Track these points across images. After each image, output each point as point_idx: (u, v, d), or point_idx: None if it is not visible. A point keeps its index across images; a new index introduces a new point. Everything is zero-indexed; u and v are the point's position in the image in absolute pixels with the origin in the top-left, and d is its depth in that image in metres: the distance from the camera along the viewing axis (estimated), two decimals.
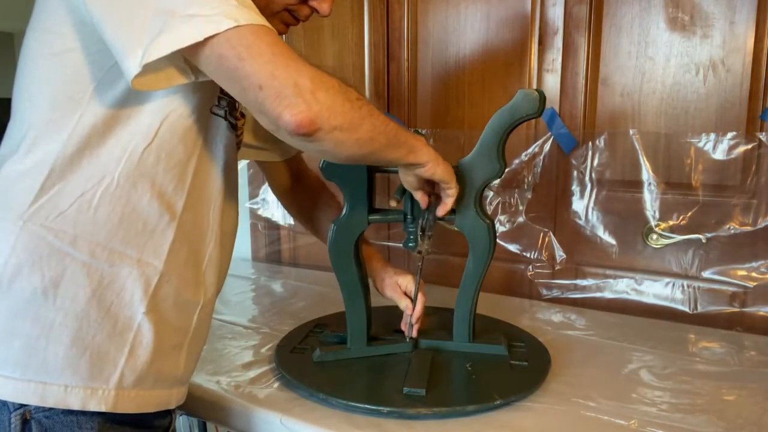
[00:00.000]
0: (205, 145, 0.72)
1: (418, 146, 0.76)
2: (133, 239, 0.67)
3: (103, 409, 0.64)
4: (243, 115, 0.83)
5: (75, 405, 0.62)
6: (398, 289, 0.97)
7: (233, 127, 0.77)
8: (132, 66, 0.57)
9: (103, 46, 0.61)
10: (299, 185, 1.09)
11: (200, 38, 0.56)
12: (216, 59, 0.58)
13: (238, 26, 0.57)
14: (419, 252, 0.86)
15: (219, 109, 0.74)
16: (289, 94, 0.57)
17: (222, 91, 0.72)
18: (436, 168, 0.77)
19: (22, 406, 0.61)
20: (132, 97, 0.65)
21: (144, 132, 0.66)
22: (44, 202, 0.64)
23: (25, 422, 0.62)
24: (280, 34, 0.82)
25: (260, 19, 0.59)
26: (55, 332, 0.62)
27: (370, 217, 0.92)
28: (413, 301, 0.94)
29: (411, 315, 0.95)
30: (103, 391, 0.64)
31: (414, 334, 0.96)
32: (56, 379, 0.62)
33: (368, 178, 0.91)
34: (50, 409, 0.62)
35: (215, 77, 0.61)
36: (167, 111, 0.67)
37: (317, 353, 0.94)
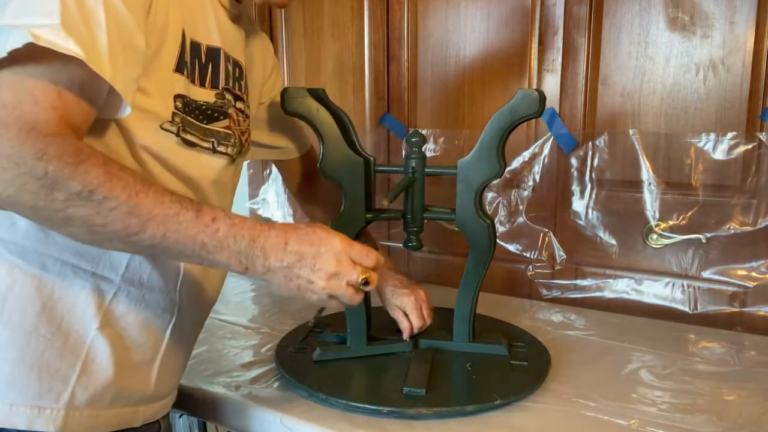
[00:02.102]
0: (173, 161, 0.67)
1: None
2: (87, 252, 0.63)
3: (51, 429, 0.61)
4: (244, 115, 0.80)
5: (20, 425, 0.60)
6: (399, 312, 0.97)
7: (188, 143, 0.69)
8: None
9: None
10: (314, 184, 1.07)
11: None
12: None
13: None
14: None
15: (171, 125, 0.66)
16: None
17: (178, 107, 0.66)
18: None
19: None
20: None
21: (97, 142, 0.61)
22: None
23: None
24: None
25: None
26: (0, 348, 0.60)
27: (368, 215, 0.93)
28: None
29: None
30: (52, 410, 0.61)
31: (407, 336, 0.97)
32: (1, 398, 0.59)
33: (366, 177, 0.91)
34: None
35: None
36: (123, 125, 0.62)
37: (317, 352, 0.94)
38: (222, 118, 0.73)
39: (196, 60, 0.68)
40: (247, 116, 0.81)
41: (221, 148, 0.73)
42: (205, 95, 0.70)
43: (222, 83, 0.73)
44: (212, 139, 0.72)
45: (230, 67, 0.74)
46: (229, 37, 0.75)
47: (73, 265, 0.63)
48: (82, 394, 0.63)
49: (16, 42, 0.49)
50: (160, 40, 0.62)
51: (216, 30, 0.71)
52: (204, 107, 0.70)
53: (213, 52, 0.71)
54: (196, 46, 0.68)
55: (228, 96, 0.74)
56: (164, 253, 0.59)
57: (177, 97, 0.66)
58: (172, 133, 0.66)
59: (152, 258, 0.67)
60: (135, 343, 0.68)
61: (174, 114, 0.66)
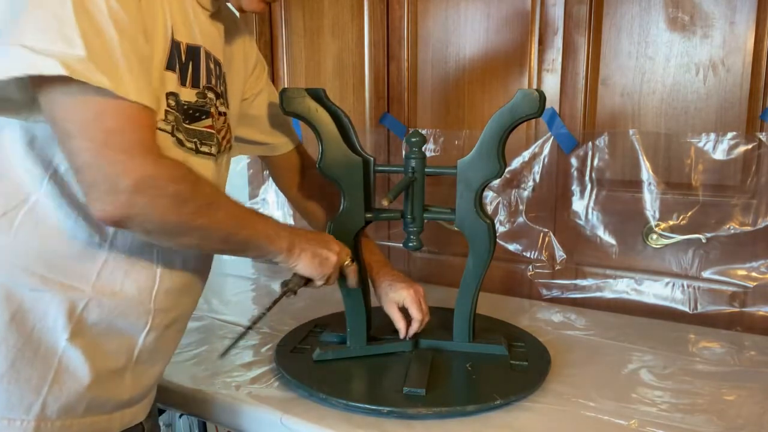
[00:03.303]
0: None
1: (278, 238, 0.76)
2: (57, 263, 0.63)
3: None
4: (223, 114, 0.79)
5: None
6: (395, 307, 0.96)
7: (179, 143, 0.70)
8: None
9: None
10: (307, 180, 1.06)
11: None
12: (48, 111, 0.56)
13: (70, 81, 0.53)
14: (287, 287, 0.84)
15: (165, 124, 0.67)
16: (102, 190, 0.56)
17: (171, 105, 0.67)
18: (297, 261, 0.79)
19: None
20: None
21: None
22: None
23: None
24: (257, 12, 0.81)
25: (126, 88, 0.56)
26: None
27: (367, 215, 0.93)
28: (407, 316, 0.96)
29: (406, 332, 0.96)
30: (22, 422, 0.61)
31: (408, 335, 0.96)
32: None
33: (366, 177, 0.91)
34: None
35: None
36: None
37: (317, 352, 0.94)
38: (204, 117, 0.73)
39: (178, 58, 0.68)
40: (225, 114, 0.79)
41: (204, 148, 0.72)
42: (187, 95, 0.69)
43: (203, 81, 0.72)
44: (195, 140, 0.71)
45: (211, 65, 0.73)
46: (208, 34, 0.74)
47: (41, 275, 0.63)
48: (54, 404, 0.63)
49: (46, 68, 0.52)
50: (151, 39, 0.63)
51: (195, 27, 0.71)
52: (186, 107, 0.69)
53: (193, 51, 0.70)
54: (176, 44, 0.67)
55: (210, 94, 0.73)
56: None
57: (169, 95, 0.66)
58: (167, 132, 0.66)
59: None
60: (108, 351, 0.67)
61: (167, 112, 0.66)
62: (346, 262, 0.86)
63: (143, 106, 0.58)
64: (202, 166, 0.72)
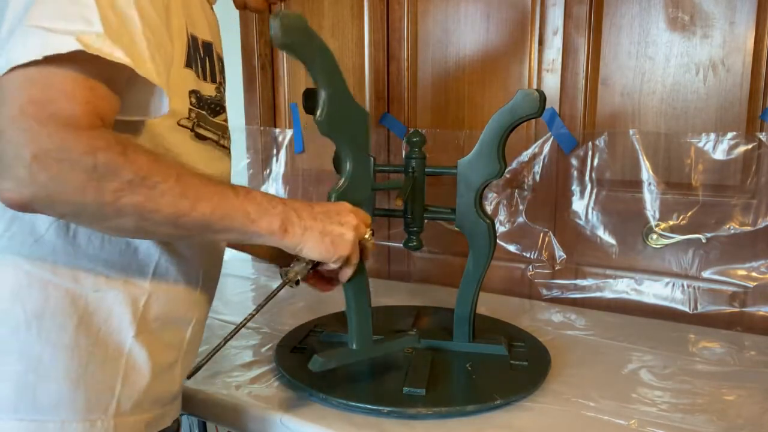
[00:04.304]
0: (185, 157, 0.67)
1: (263, 213, 0.63)
2: (117, 261, 0.63)
3: None
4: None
5: None
6: None
7: (199, 138, 0.69)
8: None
9: None
10: None
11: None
12: None
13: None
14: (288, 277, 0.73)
15: (188, 121, 0.67)
16: (4, 164, 0.48)
17: (193, 102, 0.67)
18: (300, 243, 0.67)
19: None
20: None
21: None
22: (17, 229, 0.60)
23: None
24: (261, 11, 0.79)
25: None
26: (44, 367, 0.59)
27: (373, 184, 0.87)
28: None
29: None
30: (102, 421, 0.62)
31: None
32: (52, 416, 0.59)
33: (368, 131, 0.82)
34: None
35: None
36: (143, 123, 0.62)
37: (318, 361, 0.81)
38: (222, 111, 0.73)
39: (197, 54, 0.68)
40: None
41: (223, 142, 0.74)
42: (207, 89, 0.70)
43: (218, 77, 0.73)
44: (219, 132, 0.72)
45: (216, 61, 0.73)
46: (214, 29, 0.74)
47: (104, 275, 0.62)
48: (128, 402, 0.64)
49: (61, 47, 0.48)
50: (173, 38, 0.63)
51: (206, 24, 0.71)
52: (209, 101, 0.70)
53: (207, 47, 0.70)
54: (194, 40, 0.67)
55: (222, 89, 0.74)
56: (210, 230, 0.59)
57: (191, 92, 0.66)
58: (188, 128, 0.67)
59: (195, 241, 0.68)
60: (165, 345, 0.69)
61: (190, 110, 0.66)
62: (367, 236, 0.73)
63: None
64: (222, 160, 0.74)
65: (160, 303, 0.67)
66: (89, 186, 0.50)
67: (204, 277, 0.73)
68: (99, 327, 0.62)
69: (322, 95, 0.75)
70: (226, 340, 0.73)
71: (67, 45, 0.49)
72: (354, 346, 0.86)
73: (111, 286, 0.63)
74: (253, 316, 0.72)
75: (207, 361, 0.72)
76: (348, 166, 0.80)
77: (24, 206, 0.50)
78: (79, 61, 0.50)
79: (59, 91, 0.50)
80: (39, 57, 0.48)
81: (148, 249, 0.65)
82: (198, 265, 0.72)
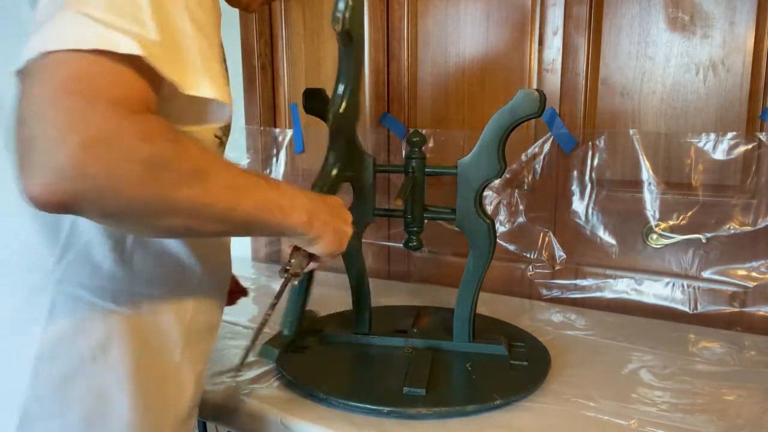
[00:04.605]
0: None
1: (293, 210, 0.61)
2: (170, 279, 0.62)
3: None
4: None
5: None
6: None
7: (221, 142, 0.71)
8: None
9: None
10: None
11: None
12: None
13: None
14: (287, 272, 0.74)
15: (221, 132, 0.68)
16: (39, 153, 0.39)
17: None
18: (317, 239, 0.66)
19: None
20: None
21: None
22: (72, 258, 0.56)
23: None
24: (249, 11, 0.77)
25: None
26: (111, 396, 0.58)
27: (375, 211, 0.96)
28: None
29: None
30: None
31: None
32: None
33: (374, 175, 0.95)
34: None
35: None
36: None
37: (271, 352, 0.89)
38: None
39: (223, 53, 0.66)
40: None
41: (224, 139, 0.73)
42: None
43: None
44: (227, 133, 0.72)
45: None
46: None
47: (159, 297, 0.61)
48: (182, 413, 0.66)
49: (119, 45, 0.42)
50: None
51: None
52: None
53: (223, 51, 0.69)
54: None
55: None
56: (251, 226, 0.55)
57: None
58: (218, 137, 0.66)
59: (244, 234, 0.61)
60: (200, 354, 0.70)
61: None
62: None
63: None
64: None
65: (201, 314, 0.67)
66: (146, 178, 0.42)
67: (227, 279, 0.75)
68: (156, 348, 0.62)
69: (342, 89, 0.80)
70: (260, 329, 0.72)
71: (126, 45, 0.42)
72: (286, 332, 0.92)
73: (165, 308, 0.62)
74: (275, 305, 0.72)
75: (251, 349, 0.75)
76: (354, 198, 0.93)
77: (62, 205, 0.40)
78: (130, 63, 0.43)
79: (108, 72, 0.42)
80: (91, 48, 0.41)
81: (190, 261, 0.64)
82: (227, 269, 0.74)
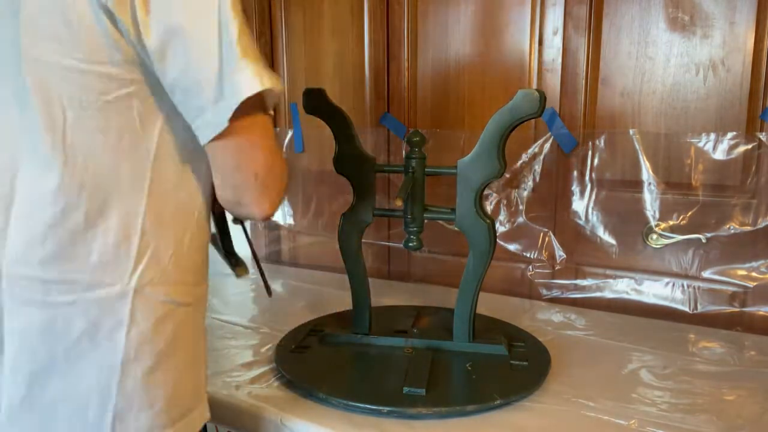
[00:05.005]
0: None
1: None
2: (206, 266, 0.70)
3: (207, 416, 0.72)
4: None
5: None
6: None
7: None
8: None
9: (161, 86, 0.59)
10: None
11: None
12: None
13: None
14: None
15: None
16: (271, 194, 0.63)
17: None
18: None
19: None
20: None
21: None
22: (145, 264, 0.62)
23: None
24: None
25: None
26: (185, 379, 0.66)
27: (375, 211, 0.97)
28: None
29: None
30: (199, 412, 0.70)
31: None
32: (188, 411, 0.67)
33: (374, 175, 0.97)
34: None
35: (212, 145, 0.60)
36: None
37: (324, 336, 0.99)
38: None
39: None
40: None
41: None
42: None
43: None
44: None
45: None
46: None
47: (201, 285, 0.69)
48: (205, 388, 0.72)
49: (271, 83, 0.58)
50: None
51: None
52: None
53: None
54: None
55: None
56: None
57: None
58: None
59: None
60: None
61: None
62: None
63: None
64: None
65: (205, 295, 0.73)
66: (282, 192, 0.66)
67: None
68: (201, 333, 0.70)
69: (338, 146, 0.96)
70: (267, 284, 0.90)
71: (273, 81, 0.58)
72: (354, 330, 0.99)
73: (203, 293, 0.70)
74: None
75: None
76: (354, 198, 0.97)
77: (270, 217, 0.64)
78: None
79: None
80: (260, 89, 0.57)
81: (209, 249, 0.72)
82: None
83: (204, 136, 0.58)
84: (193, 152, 0.63)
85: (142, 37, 0.55)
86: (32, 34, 0.57)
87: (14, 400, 0.61)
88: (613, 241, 1.23)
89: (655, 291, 1.20)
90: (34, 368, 0.60)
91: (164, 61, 0.56)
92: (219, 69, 0.56)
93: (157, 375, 0.63)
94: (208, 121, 0.57)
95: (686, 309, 1.17)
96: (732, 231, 1.11)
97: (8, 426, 0.62)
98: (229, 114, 0.56)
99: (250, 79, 0.56)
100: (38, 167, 0.59)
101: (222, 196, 0.63)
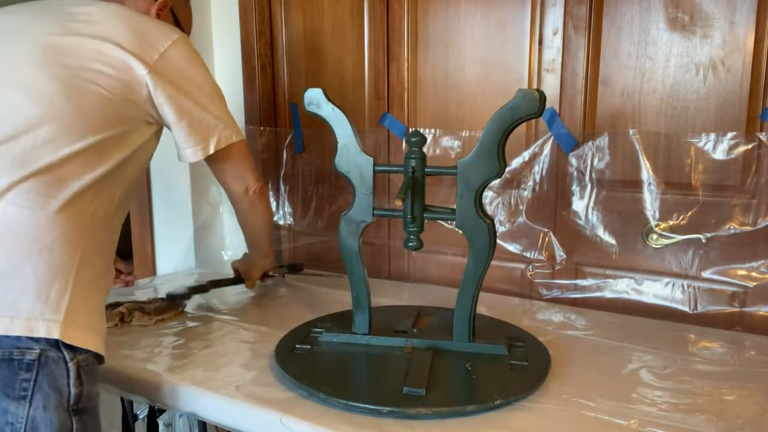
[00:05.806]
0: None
1: None
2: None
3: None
4: None
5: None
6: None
7: None
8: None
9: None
10: None
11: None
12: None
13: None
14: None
15: None
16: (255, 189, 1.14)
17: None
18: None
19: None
20: None
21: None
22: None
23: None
24: None
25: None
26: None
27: (375, 212, 0.97)
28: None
29: None
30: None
31: None
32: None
33: (373, 175, 0.96)
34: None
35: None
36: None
37: (324, 336, 1.01)
38: None
39: None
40: None
41: None
42: None
43: None
44: None
45: None
46: None
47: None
48: None
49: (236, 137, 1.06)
50: None
51: None
52: None
53: None
54: None
55: None
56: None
57: None
58: None
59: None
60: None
61: None
62: None
63: None
64: None
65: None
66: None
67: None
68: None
69: (338, 146, 0.97)
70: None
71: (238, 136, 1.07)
72: (354, 330, 1.02)
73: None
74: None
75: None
76: (354, 198, 0.98)
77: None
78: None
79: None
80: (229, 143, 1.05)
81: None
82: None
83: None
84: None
85: None
86: None
87: None
88: (613, 241, 1.23)
89: (655, 291, 1.20)
90: None
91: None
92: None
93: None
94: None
95: (686, 309, 1.17)
96: (732, 231, 1.11)
97: None
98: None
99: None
100: None
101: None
